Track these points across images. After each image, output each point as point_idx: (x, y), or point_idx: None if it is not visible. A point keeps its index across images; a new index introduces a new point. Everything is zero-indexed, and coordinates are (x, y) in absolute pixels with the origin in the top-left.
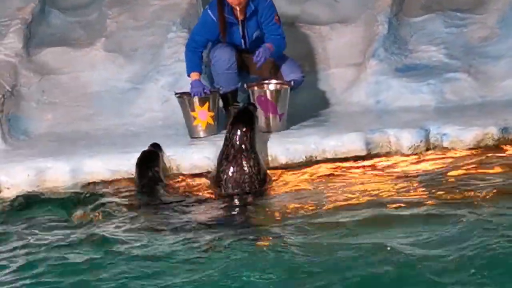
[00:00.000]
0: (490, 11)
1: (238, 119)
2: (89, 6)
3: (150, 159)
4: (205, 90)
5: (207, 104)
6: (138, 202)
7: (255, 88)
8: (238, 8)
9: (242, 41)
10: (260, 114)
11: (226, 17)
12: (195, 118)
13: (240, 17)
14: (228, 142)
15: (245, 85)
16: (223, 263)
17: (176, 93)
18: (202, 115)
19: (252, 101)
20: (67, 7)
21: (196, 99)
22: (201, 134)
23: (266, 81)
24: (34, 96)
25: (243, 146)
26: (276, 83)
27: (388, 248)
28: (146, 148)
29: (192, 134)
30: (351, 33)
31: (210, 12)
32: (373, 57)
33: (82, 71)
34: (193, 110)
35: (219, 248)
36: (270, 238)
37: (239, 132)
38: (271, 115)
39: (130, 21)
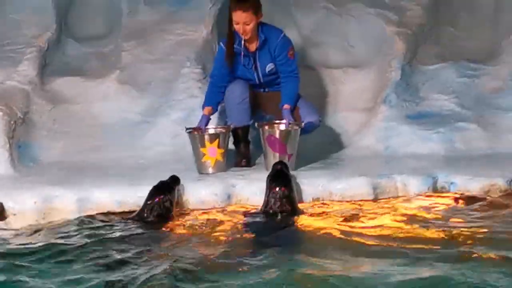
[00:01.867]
0: (503, 63)
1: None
2: (106, 37)
3: (162, 190)
4: (199, 126)
5: (217, 141)
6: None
7: (266, 127)
8: (244, 38)
9: (255, 74)
10: (269, 153)
11: (236, 48)
12: (204, 155)
13: (252, 49)
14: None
15: (256, 124)
16: None
17: (187, 128)
18: (212, 152)
19: (262, 140)
20: (83, 38)
21: (206, 136)
22: (210, 170)
23: (277, 121)
24: (45, 124)
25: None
26: (287, 124)
27: None
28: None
29: (201, 170)
30: (364, 77)
31: (222, 44)
32: (385, 103)
33: (95, 102)
34: (203, 146)
35: None
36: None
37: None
38: (279, 155)
39: (145, 54)
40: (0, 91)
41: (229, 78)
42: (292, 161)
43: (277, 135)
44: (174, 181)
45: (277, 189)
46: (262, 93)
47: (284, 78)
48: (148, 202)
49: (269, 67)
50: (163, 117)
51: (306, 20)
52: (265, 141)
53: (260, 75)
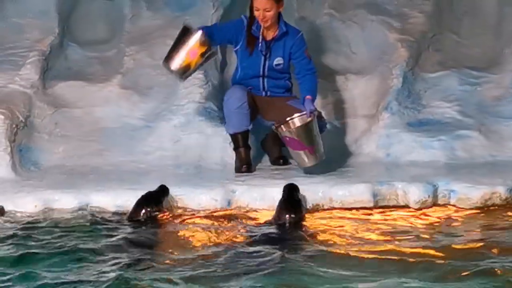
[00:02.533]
0: (505, 71)
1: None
2: (108, 42)
3: (150, 201)
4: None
5: (205, 47)
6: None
7: (281, 129)
8: (263, 25)
9: (262, 61)
10: (290, 151)
11: (254, 31)
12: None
13: (268, 37)
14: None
15: (273, 127)
16: None
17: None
18: (193, 54)
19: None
20: (85, 42)
21: (202, 37)
22: (174, 67)
23: (289, 118)
24: (46, 128)
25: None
26: (299, 119)
27: None
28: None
29: (167, 62)
30: (366, 84)
31: (244, 17)
32: (386, 110)
33: (96, 106)
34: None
35: None
36: None
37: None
38: (301, 152)
39: (147, 59)
40: (2, 94)
41: (221, 39)
42: (314, 153)
43: (291, 135)
44: (162, 192)
45: (286, 216)
46: (263, 97)
47: (302, 76)
48: (134, 214)
49: (278, 60)
50: (164, 122)
51: (309, 26)
52: (284, 142)
53: (267, 66)
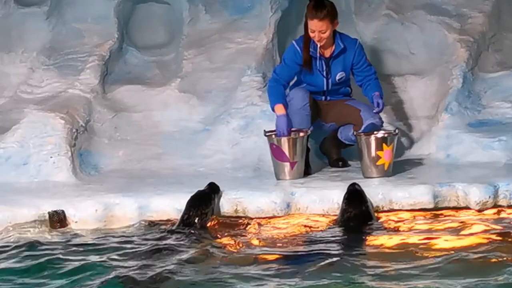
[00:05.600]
0: None
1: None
2: (166, 46)
3: (200, 200)
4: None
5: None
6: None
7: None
8: (319, 45)
9: (325, 80)
10: (273, 161)
11: (312, 52)
12: (380, 158)
13: (326, 55)
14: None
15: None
16: None
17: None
18: (387, 156)
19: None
20: (144, 46)
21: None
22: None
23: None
24: (106, 132)
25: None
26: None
27: None
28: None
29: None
30: (425, 85)
31: (295, 43)
32: (446, 111)
33: (155, 110)
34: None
35: None
36: None
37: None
38: (283, 163)
39: (206, 63)
40: (63, 99)
41: (290, 80)
42: (294, 169)
43: (278, 144)
44: (213, 190)
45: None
46: (323, 101)
47: (367, 81)
48: (185, 217)
49: (340, 75)
50: (223, 125)
51: (368, 28)
52: (270, 149)
53: (330, 82)
